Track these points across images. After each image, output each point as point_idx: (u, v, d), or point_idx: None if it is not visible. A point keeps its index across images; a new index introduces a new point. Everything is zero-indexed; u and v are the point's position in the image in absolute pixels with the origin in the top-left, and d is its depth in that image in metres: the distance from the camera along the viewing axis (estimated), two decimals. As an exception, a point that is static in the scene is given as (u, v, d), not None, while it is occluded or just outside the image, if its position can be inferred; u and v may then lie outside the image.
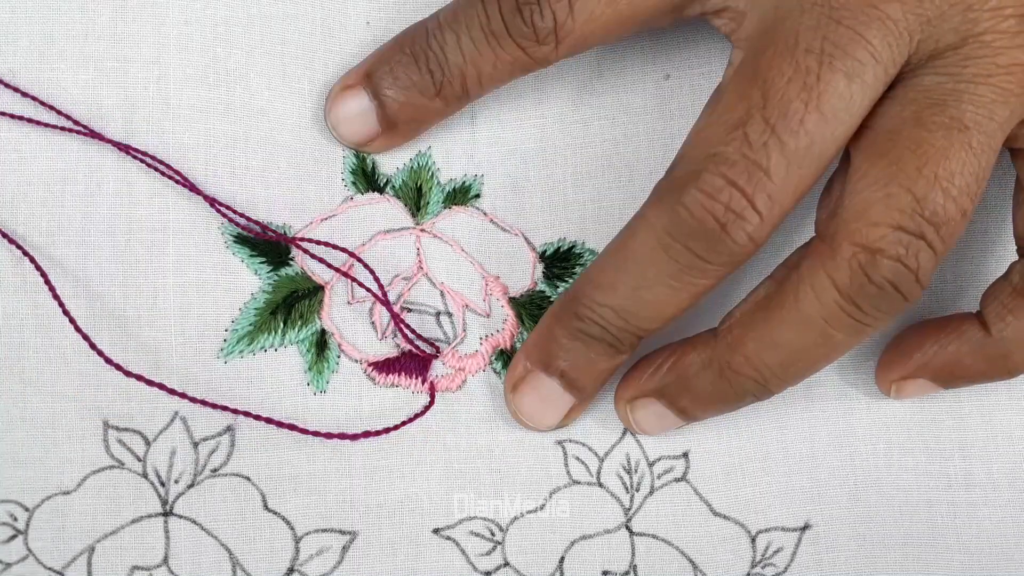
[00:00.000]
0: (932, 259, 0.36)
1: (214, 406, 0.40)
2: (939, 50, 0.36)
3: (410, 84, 0.40)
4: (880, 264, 0.36)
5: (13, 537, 0.39)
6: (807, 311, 0.37)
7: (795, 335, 0.37)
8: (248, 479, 0.40)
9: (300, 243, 0.41)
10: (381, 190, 0.42)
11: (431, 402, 0.41)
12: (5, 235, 0.40)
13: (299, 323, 0.41)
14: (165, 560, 0.40)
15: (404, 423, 0.40)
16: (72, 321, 0.39)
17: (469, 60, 0.39)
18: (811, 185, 0.36)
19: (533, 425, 0.41)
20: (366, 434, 0.40)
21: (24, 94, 0.41)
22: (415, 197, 0.42)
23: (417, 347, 0.41)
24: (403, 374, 0.41)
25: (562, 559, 0.41)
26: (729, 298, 0.42)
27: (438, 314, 0.42)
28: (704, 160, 0.36)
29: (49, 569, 0.39)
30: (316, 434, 0.40)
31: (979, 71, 0.36)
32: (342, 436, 0.40)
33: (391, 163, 0.42)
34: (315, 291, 0.41)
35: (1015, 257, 0.41)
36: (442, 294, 0.42)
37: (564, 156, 0.43)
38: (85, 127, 0.40)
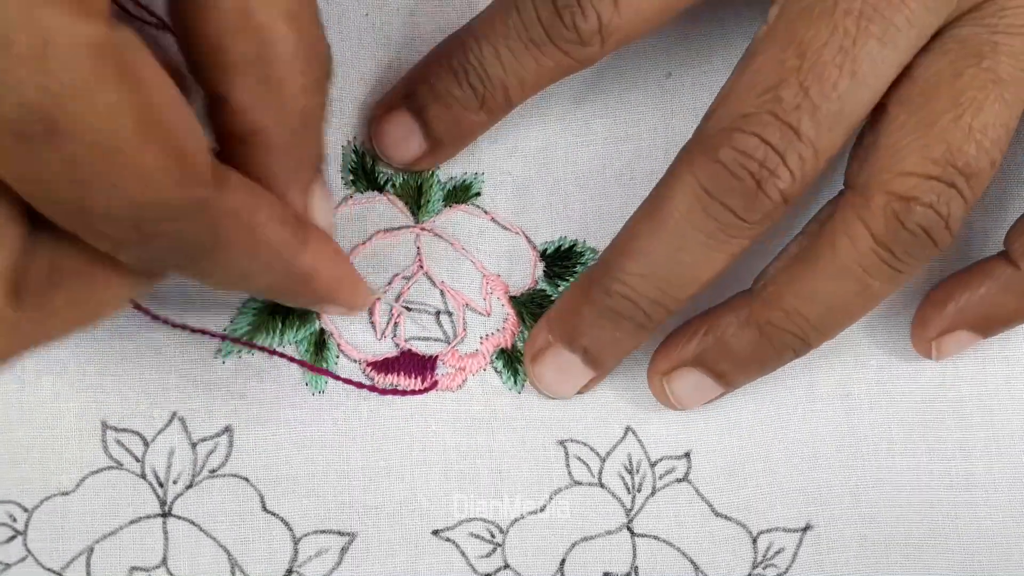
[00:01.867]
0: (962, 207, 0.36)
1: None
2: (977, 3, 0.37)
3: (453, 100, 0.39)
4: (913, 211, 0.36)
5: (12, 538, 0.39)
6: (844, 260, 0.37)
7: (834, 285, 0.37)
8: (247, 480, 0.40)
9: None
10: (381, 189, 0.42)
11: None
12: None
13: (298, 323, 0.41)
14: (164, 561, 0.39)
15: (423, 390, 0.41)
16: None
17: (510, 71, 0.39)
18: (841, 147, 0.36)
19: (551, 394, 0.41)
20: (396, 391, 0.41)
21: None
22: (415, 196, 0.42)
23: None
24: (402, 374, 0.41)
25: (563, 561, 0.41)
26: (751, 267, 0.41)
27: (438, 313, 0.42)
28: (736, 119, 0.36)
29: (48, 570, 0.39)
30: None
31: (1014, 23, 0.37)
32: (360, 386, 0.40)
33: (391, 162, 0.42)
34: (314, 290, 0.41)
35: None
36: (442, 293, 0.42)
37: (565, 154, 0.43)
38: None
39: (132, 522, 0.39)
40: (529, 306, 0.42)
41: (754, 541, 0.42)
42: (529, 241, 0.42)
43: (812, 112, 0.35)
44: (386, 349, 0.41)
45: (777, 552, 0.42)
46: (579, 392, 0.41)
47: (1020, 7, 0.37)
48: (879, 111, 0.37)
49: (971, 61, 0.37)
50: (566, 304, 0.40)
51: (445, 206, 0.42)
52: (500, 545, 0.41)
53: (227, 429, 0.40)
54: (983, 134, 0.36)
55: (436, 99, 0.40)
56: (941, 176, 0.36)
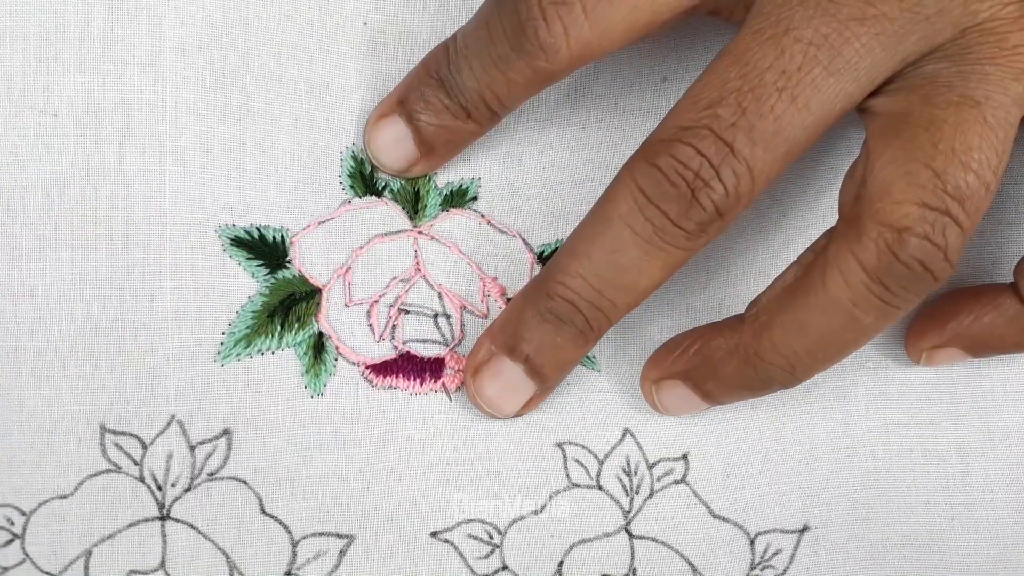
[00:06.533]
0: (959, 235, 0.36)
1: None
2: (938, 44, 0.37)
3: (442, 108, 0.40)
4: (907, 242, 0.35)
5: (10, 541, 0.39)
6: (835, 294, 0.36)
7: (823, 319, 0.37)
8: (245, 483, 0.40)
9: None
10: (379, 194, 0.42)
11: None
12: None
13: (296, 326, 0.41)
14: (162, 564, 0.39)
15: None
16: None
17: (483, 85, 0.39)
18: (779, 170, 0.37)
19: (491, 412, 0.41)
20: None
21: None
22: (413, 201, 0.42)
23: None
24: (401, 376, 0.41)
25: (561, 562, 0.41)
26: (757, 285, 0.41)
27: (436, 316, 0.42)
28: (677, 131, 0.36)
29: (46, 573, 0.39)
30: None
31: (983, 55, 0.36)
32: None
33: (389, 166, 0.42)
34: (312, 294, 0.41)
35: None
36: (440, 296, 0.42)
37: (561, 158, 0.43)
38: None
39: (130, 525, 0.39)
40: (526, 310, 0.42)
41: (752, 542, 0.42)
42: (526, 243, 0.43)
43: (748, 131, 0.36)
44: (384, 352, 0.41)
45: (775, 553, 0.42)
46: (520, 412, 0.41)
47: (987, 43, 0.36)
48: (865, 145, 0.37)
49: (941, 90, 0.36)
50: (509, 314, 0.40)
51: (442, 210, 0.42)
52: (498, 546, 0.41)
53: (226, 432, 0.40)
54: (968, 156, 0.36)
55: (427, 106, 0.40)
56: (932, 202, 0.35)
